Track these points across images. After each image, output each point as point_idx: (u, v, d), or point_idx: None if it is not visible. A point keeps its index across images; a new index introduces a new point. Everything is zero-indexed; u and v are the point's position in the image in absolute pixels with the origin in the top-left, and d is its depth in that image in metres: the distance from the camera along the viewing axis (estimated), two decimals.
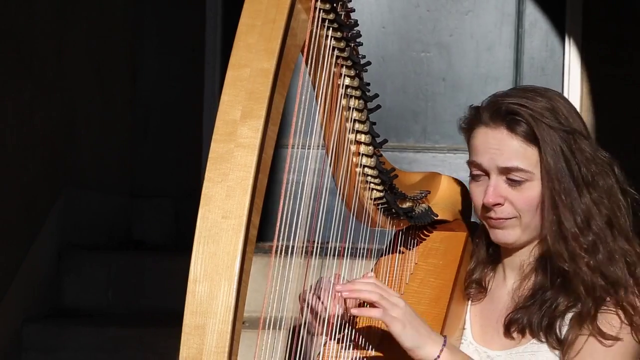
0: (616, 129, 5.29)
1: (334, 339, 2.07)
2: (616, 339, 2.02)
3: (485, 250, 2.22)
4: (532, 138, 2.06)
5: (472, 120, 2.13)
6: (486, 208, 2.11)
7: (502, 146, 2.08)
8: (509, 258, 2.17)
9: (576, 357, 2.03)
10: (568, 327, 2.05)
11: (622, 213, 2.09)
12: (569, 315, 2.06)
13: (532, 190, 2.08)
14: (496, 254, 2.21)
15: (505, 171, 2.08)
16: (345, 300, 2.02)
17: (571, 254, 2.06)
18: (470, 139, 2.13)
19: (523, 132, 2.07)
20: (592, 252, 2.06)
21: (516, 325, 2.11)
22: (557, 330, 2.06)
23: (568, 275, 2.07)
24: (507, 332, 2.12)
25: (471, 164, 2.13)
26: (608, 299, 2.04)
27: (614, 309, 2.04)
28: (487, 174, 2.10)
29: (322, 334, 2.06)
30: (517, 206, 2.09)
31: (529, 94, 2.11)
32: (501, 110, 2.08)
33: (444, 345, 1.95)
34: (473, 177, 2.14)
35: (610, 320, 2.03)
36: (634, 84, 5.28)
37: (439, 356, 1.94)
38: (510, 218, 2.10)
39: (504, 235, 2.12)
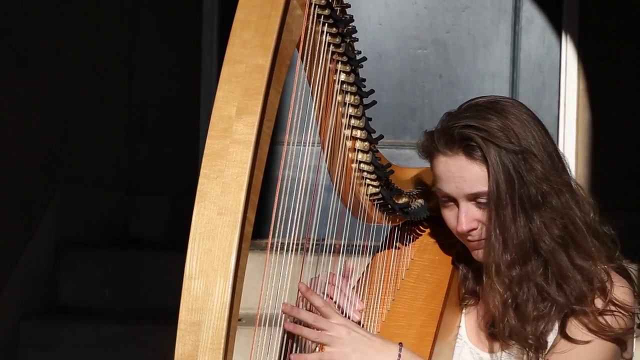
0: (613, 125, 5.30)
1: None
2: (587, 342, 2.02)
3: (471, 261, 2.21)
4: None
5: (429, 148, 2.09)
6: (463, 234, 2.09)
7: (464, 173, 2.04)
8: None
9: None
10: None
11: (580, 229, 2.04)
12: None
13: None
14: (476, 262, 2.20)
15: (472, 197, 2.06)
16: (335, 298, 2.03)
17: (490, 287, 2.05)
18: (432, 166, 2.10)
19: (480, 156, 2.03)
20: (512, 288, 2.03)
21: (499, 331, 2.10)
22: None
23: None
24: (494, 337, 2.12)
25: (438, 191, 2.10)
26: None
27: (580, 320, 2.03)
28: (455, 201, 2.09)
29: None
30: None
31: (482, 112, 2.05)
32: (454, 137, 2.04)
33: (399, 353, 1.93)
34: (443, 202, 2.12)
35: (579, 328, 2.03)
36: (631, 80, 5.28)
37: None
38: (486, 238, 2.08)
39: (484, 254, 2.10)
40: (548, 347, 2.05)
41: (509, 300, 2.04)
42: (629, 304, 2.04)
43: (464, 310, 2.21)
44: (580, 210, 2.06)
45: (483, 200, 2.05)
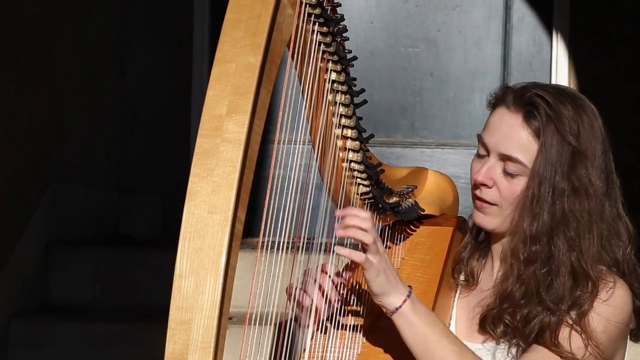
0: (604, 123, 5.30)
1: (321, 332, 2.07)
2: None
3: (476, 233, 2.22)
4: (540, 136, 2.06)
5: (498, 98, 2.13)
6: (476, 186, 2.11)
7: (511, 133, 2.07)
8: (496, 245, 2.17)
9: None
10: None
11: (590, 239, 2.05)
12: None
13: (521, 184, 2.08)
14: (486, 239, 2.20)
15: (504, 158, 2.08)
16: (331, 290, 2.03)
17: (512, 252, 2.07)
18: (490, 114, 2.13)
19: (535, 127, 2.06)
20: (529, 263, 2.06)
21: (489, 324, 2.10)
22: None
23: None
24: (483, 327, 2.12)
25: (479, 139, 2.13)
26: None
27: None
28: (489, 154, 2.10)
29: (309, 325, 2.06)
30: (502, 194, 2.09)
31: (563, 97, 2.09)
32: (524, 98, 2.08)
33: (407, 296, 1.97)
34: (478, 153, 2.14)
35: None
36: (622, 78, 5.29)
37: (400, 306, 1.96)
38: (492, 204, 2.10)
39: (483, 219, 2.13)
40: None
41: (524, 272, 2.06)
42: (596, 337, 2.01)
43: (455, 303, 2.22)
44: (601, 225, 2.07)
45: (511, 170, 2.07)
